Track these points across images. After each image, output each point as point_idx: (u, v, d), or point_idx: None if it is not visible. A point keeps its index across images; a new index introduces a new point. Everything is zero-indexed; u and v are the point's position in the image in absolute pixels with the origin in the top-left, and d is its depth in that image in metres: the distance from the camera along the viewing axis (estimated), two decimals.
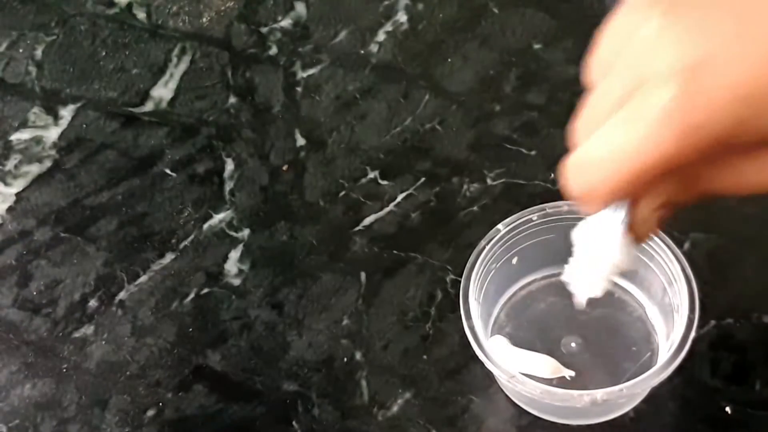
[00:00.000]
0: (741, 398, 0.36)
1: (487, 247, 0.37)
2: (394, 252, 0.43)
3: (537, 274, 0.40)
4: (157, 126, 0.47)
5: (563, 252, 0.39)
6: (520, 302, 0.40)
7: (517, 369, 0.35)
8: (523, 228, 0.38)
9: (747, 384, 0.36)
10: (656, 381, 0.33)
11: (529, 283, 0.40)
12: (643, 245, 0.36)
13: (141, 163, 0.46)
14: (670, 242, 0.36)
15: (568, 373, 0.36)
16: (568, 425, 0.36)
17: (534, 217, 0.37)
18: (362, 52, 0.49)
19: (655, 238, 0.36)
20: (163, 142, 0.47)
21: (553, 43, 0.49)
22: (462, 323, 0.35)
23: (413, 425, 0.38)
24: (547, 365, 0.36)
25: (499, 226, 0.37)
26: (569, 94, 0.47)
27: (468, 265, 0.37)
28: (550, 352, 0.37)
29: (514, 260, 0.38)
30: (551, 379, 0.36)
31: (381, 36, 0.50)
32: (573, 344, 0.37)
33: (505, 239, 0.37)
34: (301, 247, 0.43)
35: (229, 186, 0.45)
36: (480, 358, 0.34)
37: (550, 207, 0.37)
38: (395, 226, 0.43)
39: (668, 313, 0.36)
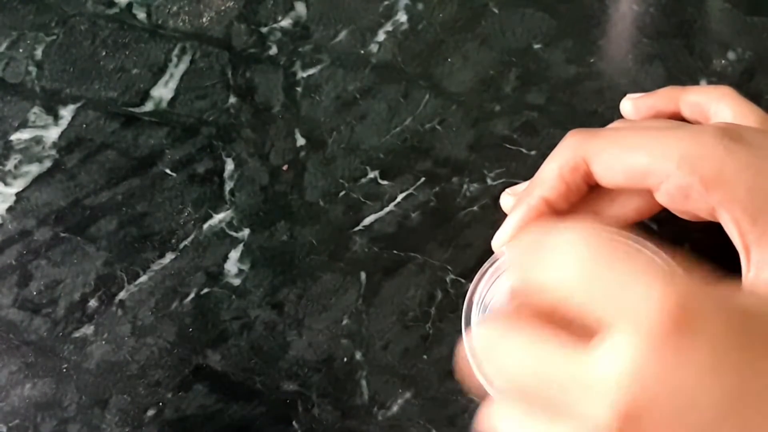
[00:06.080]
0: None
1: (490, 270, 0.37)
2: (394, 252, 0.43)
3: None
4: (157, 126, 0.47)
5: None
6: None
7: None
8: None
9: None
10: None
11: None
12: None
13: (141, 163, 0.46)
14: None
15: None
16: None
17: None
18: (362, 52, 0.49)
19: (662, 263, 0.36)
20: (163, 142, 0.47)
21: (553, 43, 0.49)
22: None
23: (413, 425, 0.38)
24: None
25: (504, 248, 0.37)
26: (569, 94, 0.47)
27: (471, 287, 0.36)
28: None
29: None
30: None
31: (381, 36, 0.50)
32: None
33: (508, 262, 0.37)
34: (301, 247, 0.43)
35: (229, 186, 0.45)
36: (480, 381, 0.34)
37: None
38: (395, 226, 0.43)
39: None
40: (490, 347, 0.25)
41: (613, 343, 0.22)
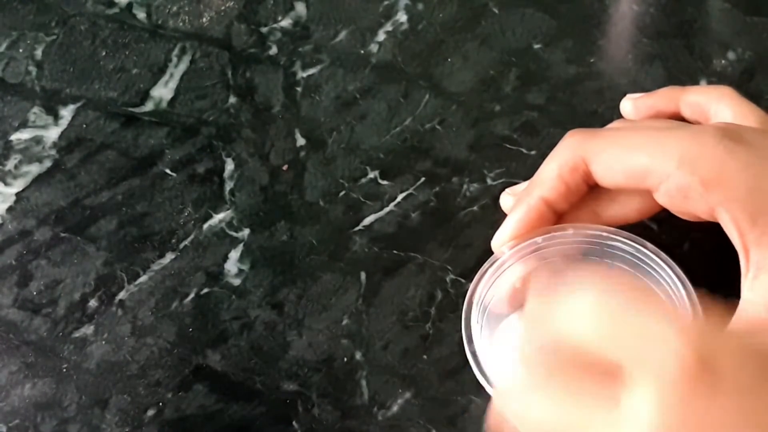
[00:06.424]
0: None
1: (490, 270, 0.37)
2: (394, 252, 0.43)
3: None
4: (157, 126, 0.47)
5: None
6: None
7: None
8: (528, 251, 0.37)
9: None
10: None
11: None
12: (651, 272, 0.36)
13: (141, 163, 0.46)
14: (676, 267, 0.36)
15: None
16: None
17: (539, 239, 0.37)
18: (362, 52, 0.49)
19: (662, 263, 0.36)
20: (163, 142, 0.47)
21: (553, 43, 0.49)
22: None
23: (413, 425, 0.38)
24: None
25: (503, 248, 0.37)
26: (569, 94, 0.47)
27: (471, 287, 0.36)
28: None
29: (518, 284, 0.38)
30: None
31: (381, 36, 0.50)
32: None
33: (508, 262, 0.37)
34: (301, 247, 0.43)
35: (229, 186, 0.45)
36: (481, 383, 0.34)
37: (555, 230, 0.37)
38: (395, 226, 0.43)
39: None
40: (523, 401, 0.25)
41: (636, 398, 0.22)
